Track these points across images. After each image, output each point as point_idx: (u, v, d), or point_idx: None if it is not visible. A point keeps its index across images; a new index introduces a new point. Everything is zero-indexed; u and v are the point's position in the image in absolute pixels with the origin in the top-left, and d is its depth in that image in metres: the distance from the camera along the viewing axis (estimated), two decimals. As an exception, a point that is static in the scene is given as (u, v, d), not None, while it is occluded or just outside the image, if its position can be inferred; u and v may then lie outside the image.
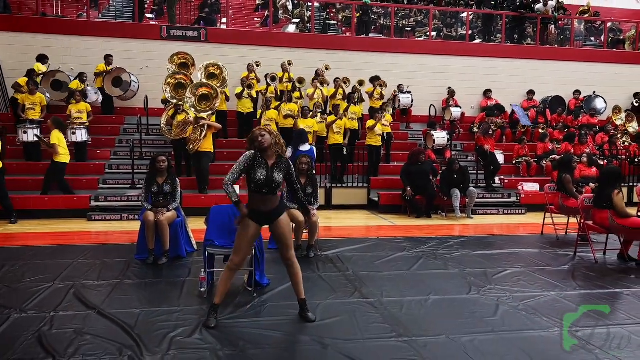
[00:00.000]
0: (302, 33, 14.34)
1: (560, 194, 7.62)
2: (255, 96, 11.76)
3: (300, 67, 12.81)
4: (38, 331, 3.86)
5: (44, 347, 3.60)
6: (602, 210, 6.24)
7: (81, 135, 10.01)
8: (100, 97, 11.58)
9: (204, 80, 10.06)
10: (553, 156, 11.67)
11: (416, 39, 15.46)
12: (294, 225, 6.47)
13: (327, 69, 12.66)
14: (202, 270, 4.96)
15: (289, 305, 4.30)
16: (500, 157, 11.52)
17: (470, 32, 15.40)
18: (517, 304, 4.66)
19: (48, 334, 3.82)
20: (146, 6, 15.35)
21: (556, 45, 15.64)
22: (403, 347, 3.71)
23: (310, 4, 14.75)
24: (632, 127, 13.66)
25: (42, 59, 11.53)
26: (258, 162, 3.91)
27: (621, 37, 17.31)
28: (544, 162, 11.75)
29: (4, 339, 3.74)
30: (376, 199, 10.24)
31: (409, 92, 13.25)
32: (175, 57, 10.74)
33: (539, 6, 15.55)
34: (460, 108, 13.51)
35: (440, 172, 10.02)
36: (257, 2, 17.15)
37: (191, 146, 9.26)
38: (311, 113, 10.90)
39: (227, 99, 11.34)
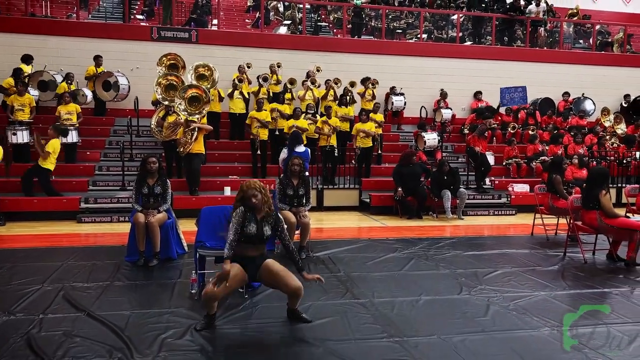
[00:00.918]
0: (294, 35, 14.35)
1: (550, 194, 7.67)
2: (247, 96, 11.73)
3: (291, 68, 12.81)
4: (27, 334, 3.82)
5: (33, 349, 3.56)
6: (590, 210, 6.30)
7: (71, 137, 9.92)
8: (90, 96, 11.45)
9: (194, 82, 10.02)
10: (543, 157, 11.75)
11: (407, 41, 15.52)
12: (285, 226, 6.48)
13: (318, 70, 12.68)
14: (193, 271, 4.94)
15: (280, 306, 4.28)
16: (490, 159, 11.58)
17: (460, 34, 15.49)
18: (508, 304, 4.69)
19: (37, 336, 3.79)
20: (136, 7, 15.30)
21: (545, 48, 15.77)
22: (394, 348, 3.72)
23: (301, 6, 14.76)
24: (620, 128, 13.81)
25: (26, 59, 11.40)
26: (248, 218, 4.04)
27: (609, 40, 17.49)
28: (534, 164, 11.83)
29: (-8, 342, 3.70)
30: (367, 200, 10.26)
31: (402, 94, 13.29)
32: (165, 58, 10.69)
33: (531, 7, 15.68)
34: (451, 110, 13.58)
35: (431, 173, 10.06)
36: (248, 4, 17.14)
37: (181, 149, 9.22)
38: (303, 115, 10.91)
39: (221, 98, 11.30)
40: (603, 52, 16.42)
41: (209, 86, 10.14)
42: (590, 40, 17.17)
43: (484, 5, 16.19)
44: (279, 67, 12.55)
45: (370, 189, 10.54)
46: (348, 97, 12.06)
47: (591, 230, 6.44)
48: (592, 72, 15.18)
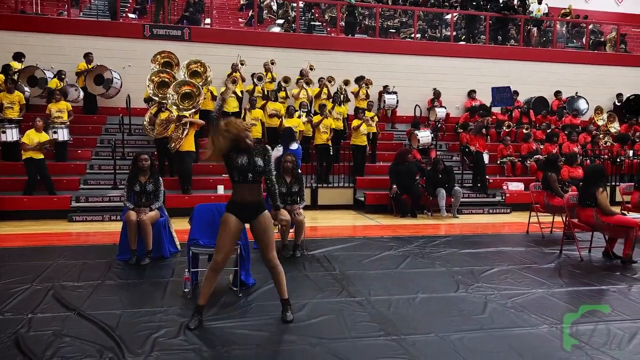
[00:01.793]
0: (287, 33, 14.26)
1: (546, 192, 7.64)
2: (240, 95, 11.63)
3: (285, 67, 12.73)
4: (15, 333, 3.72)
5: (21, 349, 3.47)
6: (586, 208, 6.26)
7: (62, 135, 9.79)
8: (82, 94, 11.32)
9: (187, 79, 9.92)
10: (537, 156, 11.74)
11: (401, 39, 15.48)
12: (279, 224, 6.40)
13: (311, 68, 12.59)
14: (186, 270, 4.85)
15: (275, 305, 4.20)
16: (485, 157, 11.48)
17: (454, 33, 15.47)
18: (505, 301, 4.64)
19: (26, 336, 3.69)
20: (128, 5, 15.15)
21: (539, 47, 15.79)
22: (392, 346, 3.65)
23: (295, 4, 14.67)
24: (614, 127, 13.84)
25: (18, 57, 11.26)
26: (236, 149, 3.83)
27: (602, 39, 17.55)
28: (528, 162, 11.82)
29: (-22, 342, 3.60)
30: (362, 198, 10.20)
31: (395, 93, 13.24)
32: (159, 56, 10.58)
33: (534, 5, 15.72)
34: (445, 108, 13.54)
35: (426, 172, 10.01)
36: (242, 2, 17.00)
37: (172, 144, 9.11)
38: (297, 112, 10.83)
39: (214, 97, 11.20)
40: (596, 51, 16.46)
41: (202, 83, 10.04)
42: (584, 40, 17.22)
43: (475, 3, 16.15)
44: (272, 64, 12.46)
45: (365, 187, 10.48)
46: (342, 96, 11.99)
47: (587, 228, 6.40)
48: (586, 71, 15.20)
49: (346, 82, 12.35)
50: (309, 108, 11.81)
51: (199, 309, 3.95)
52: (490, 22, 15.40)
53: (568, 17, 17.80)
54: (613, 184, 11.49)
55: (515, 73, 14.52)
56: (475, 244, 7.09)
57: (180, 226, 6.36)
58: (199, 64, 10.42)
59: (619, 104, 15.02)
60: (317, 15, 16.96)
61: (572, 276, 5.59)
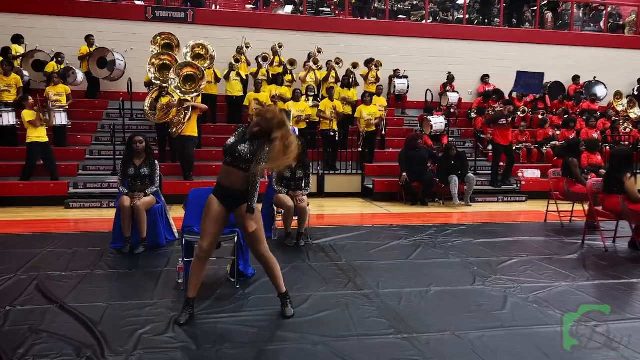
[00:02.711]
0: (295, 15, 13.80)
1: (566, 179, 7.19)
2: (245, 78, 11.23)
3: (292, 50, 12.29)
4: (-12, 328, 3.39)
5: (-8, 346, 3.14)
6: (612, 195, 5.83)
7: (60, 119, 9.46)
8: (79, 77, 10.93)
9: (189, 60, 9.52)
10: (554, 142, 11.26)
11: (412, 22, 14.95)
12: (282, 211, 6.05)
13: (319, 51, 12.13)
14: (180, 259, 4.50)
15: (275, 297, 3.81)
16: (508, 153, 10.60)
17: (467, 16, 14.89)
18: (527, 295, 4.24)
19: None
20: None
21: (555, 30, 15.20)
22: (403, 345, 3.27)
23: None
24: (634, 112, 13.25)
25: (17, 39, 10.94)
26: (240, 132, 3.52)
27: (621, 22, 16.87)
28: (545, 149, 11.33)
29: (-53, 338, 3.27)
30: (371, 186, 9.79)
31: (406, 77, 12.77)
32: (159, 37, 10.14)
33: None
34: (458, 93, 13.05)
35: (438, 158, 9.58)
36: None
37: (174, 129, 8.75)
38: (303, 97, 10.42)
39: (217, 79, 10.81)
40: (615, 34, 15.82)
41: (206, 65, 9.64)
42: (601, 24, 16.56)
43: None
44: (280, 47, 12.03)
45: (374, 174, 10.07)
46: (351, 80, 11.55)
47: (612, 216, 5.97)
48: (604, 54, 14.60)
49: (355, 65, 11.89)
50: (316, 92, 11.39)
51: (190, 302, 3.60)
52: (505, 4, 14.81)
53: (585, -1, 17.12)
54: (635, 171, 10.96)
55: (530, 57, 13.93)
56: (490, 234, 6.68)
57: (180, 214, 5.99)
58: (201, 46, 10.01)
59: (638, 92, 14.42)
60: (325, -2, 16.43)
61: (598, 268, 5.17)
